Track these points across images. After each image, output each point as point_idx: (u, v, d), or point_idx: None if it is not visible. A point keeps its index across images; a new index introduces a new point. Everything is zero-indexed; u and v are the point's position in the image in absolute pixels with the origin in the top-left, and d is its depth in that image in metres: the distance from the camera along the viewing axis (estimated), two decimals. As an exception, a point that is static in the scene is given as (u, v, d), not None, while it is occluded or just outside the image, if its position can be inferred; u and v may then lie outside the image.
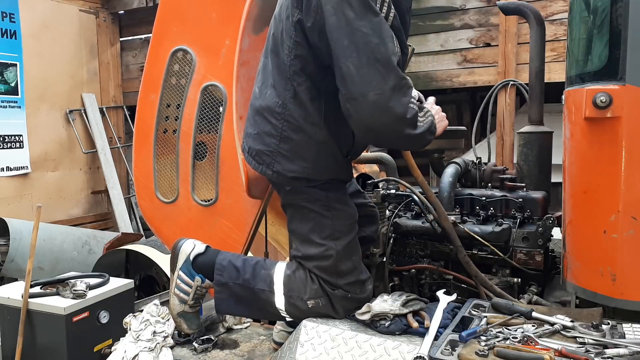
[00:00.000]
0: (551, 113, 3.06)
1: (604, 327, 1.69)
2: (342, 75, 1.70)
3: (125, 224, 7.07)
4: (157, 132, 2.66)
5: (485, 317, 1.81)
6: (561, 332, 1.70)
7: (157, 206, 2.70)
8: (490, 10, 5.40)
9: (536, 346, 1.59)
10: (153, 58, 2.67)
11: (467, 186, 2.86)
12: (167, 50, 2.59)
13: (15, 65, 6.39)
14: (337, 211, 1.98)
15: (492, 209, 2.59)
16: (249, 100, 2.08)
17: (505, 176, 2.72)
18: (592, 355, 1.53)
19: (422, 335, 1.82)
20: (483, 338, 1.64)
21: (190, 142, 2.55)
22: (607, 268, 1.83)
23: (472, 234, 2.41)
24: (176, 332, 2.35)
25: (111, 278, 3.09)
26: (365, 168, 3.75)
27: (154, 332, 2.29)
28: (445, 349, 1.62)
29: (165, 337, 2.30)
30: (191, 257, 2.14)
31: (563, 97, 2.02)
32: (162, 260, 3.91)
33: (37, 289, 2.92)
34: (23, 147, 6.50)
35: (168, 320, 2.34)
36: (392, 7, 1.76)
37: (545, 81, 2.80)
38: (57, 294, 2.84)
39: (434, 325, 1.83)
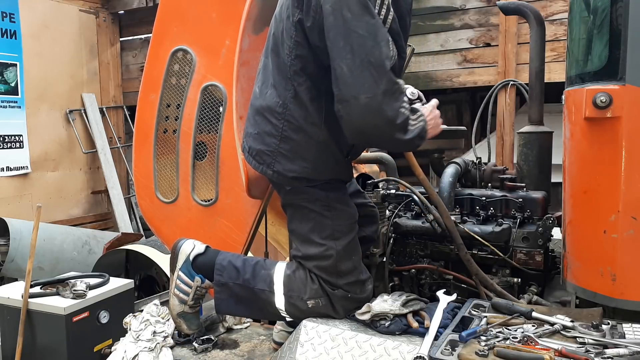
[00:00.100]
0: (551, 113, 3.06)
1: (604, 327, 1.70)
2: (336, 76, 1.71)
3: (125, 224, 7.06)
4: (157, 132, 2.66)
5: (485, 317, 1.81)
6: (561, 332, 1.70)
7: (157, 206, 2.70)
8: (490, 10, 5.40)
9: (536, 346, 1.59)
10: (153, 58, 2.67)
11: (467, 186, 2.86)
12: (167, 50, 2.59)
13: (15, 65, 6.39)
14: (337, 211, 1.98)
15: (492, 209, 2.59)
16: (249, 100, 2.08)
17: (505, 176, 2.72)
18: (592, 355, 1.53)
19: (422, 335, 1.82)
20: (483, 338, 1.65)
21: (190, 142, 2.55)
22: (607, 268, 1.83)
23: (472, 234, 2.41)
24: (176, 332, 2.35)
25: (111, 278, 3.09)
26: (365, 168, 3.74)
27: (154, 332, 2.29)
28: (445, 349, 1.62)
29: (165, 337, 2.31)
30: (191, 258, 2.14)
31: (563, 97, 2.02)
32: (162, 260, 3.91)
33: (37, 289, 2.92)
34: (23, 147, 6.50)
35: (168, 320, 2.34)
36: (392, 10, 1.76)
37: (545, 81, 2.80)
38: (57, 294, 2.84)
39: (434, 325, 1.83)
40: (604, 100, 1.75)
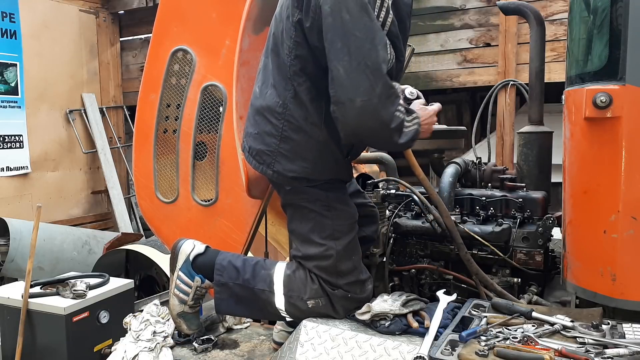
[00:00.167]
0: (551, 113, 3.06)
1: (604, 327, 1.70)
2: (332, 77, 1.72)
3: (125, 224, 7.06)
4: (157, 132, 2.66)
5: (485, 317, 1.81)
6: (561, 332, 1.70)
7: (157, 206, 2.70)
8: (490, 10, 5.40)
9: (536, 346, 1.59)
10: (153, 58, 2.67)
11: (467, 186, 2.86)
12: (167, 50, 2.59)
13: (15, 65, 6.39)
14: (337, 211, 1.98)
15: (492, 209, 2.59)
16: (249, 100, 2.09)
17: (505, 176, 2.72)
18: (592, 355, 1.53)
19: (422, 335, 1.82)
20: (483, 338, 1.65)
21: (190, 142, 2.55)
22: (607, 268, 1.83)
23: (472, 234, 2.41)
24: (176, 332, 2.35)
25: (111, 278, 3.09)
26: (365, 168, 3.74)
27: (154, 332, 2.29)
28: (445, 349, 1.62)
29: (165, 337, 2.31)
30: (191, 258, 2.14)
31: (563, 97, 2.02)
32: (162, 260, 3.91)
33: (37, 289, 2.92)
34: (23, 147, 6.50)
35: (168, 320, 2.34)
36: (391, 12, 1.76)
37: (545, 81, 2.80)
38: (57, 294, 2.83)
39: (434, 325, 1.83)
40: (604, 100, 1.75)
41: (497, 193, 2.63)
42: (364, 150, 2.48)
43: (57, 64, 6.92)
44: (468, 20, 5.52)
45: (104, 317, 2.88)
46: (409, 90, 1.94)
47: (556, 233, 2.41)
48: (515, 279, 2.39)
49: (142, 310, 2.42)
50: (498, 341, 1.62)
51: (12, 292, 2.89)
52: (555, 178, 2.50)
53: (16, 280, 4.36)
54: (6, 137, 6.31)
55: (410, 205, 2.70)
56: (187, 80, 2.56)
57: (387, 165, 3.10)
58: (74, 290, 2.81)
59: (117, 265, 4.27)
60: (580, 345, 1.59)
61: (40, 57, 6.68)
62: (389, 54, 1.75)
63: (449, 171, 2.69)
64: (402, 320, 1.88)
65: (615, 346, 1.58)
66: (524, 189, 2.61)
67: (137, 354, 2.22)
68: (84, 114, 7.25)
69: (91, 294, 2.86)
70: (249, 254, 2.50)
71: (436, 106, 1.97)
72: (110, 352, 2.38)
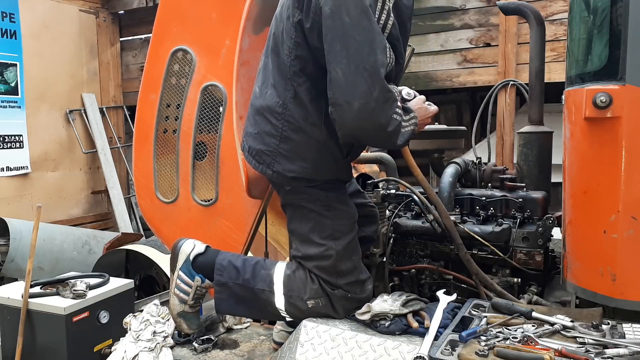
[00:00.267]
0: (551, 113, 3.06)
1: (604, 327, 1.70)
2: (330, 79, 1.72)
3: (125, 224, 7.06)
4: (157, 132, 2.66)
5: (485, 317, 1.81)
6: (561, 332, 1.70)
7: (157, 206, 2.70)
8: (490, 10, 5.40)
9: (536, 346, 1.59)
10: (153, 58, 2.67)
11: (467, 186, 2.86)
12: (167, 50, 2.59)
13: (15, 65, 6.39)
14: (337, 211, 1.98)
15: (492, 209, 2.59)
16: (249, 100, 2.09)
17: (505, 176, 2.72)
18: (592, 355, 1.53)
19: (422, 335, 1.82)
20: (483, 338, 1.65)
21: (190, 142, 2.55)
22: (607, 268, 1.83)
23: (472, 234, 2.41)
24: (176, 332, 2.35)
25: (111, 278, 3.09)
26: (365, 168, 3.74)
27: (154, 332, 2.29)
28: (445, 349, 1.62)
29: (165, 337, 2.31)
30: (191, 257, 2.14)
31: (563, 97, 2.02)
32: (162, 260, 3.91)
33: (37, 289, 2.92)
34: (23, 147, 6.50)
35: (168, 320, 2.34)
36: (392, 15, 1.76)
37: (545, 81, 2.80)
38: (57, 294, 2.84)
39: (434, 325, 1.83)
40: (604, 100, 1.75)
41: (497, 193, 2.63)
42: (363, 150, 2.48)
43: (57, 64, 6.92)
44: (468, 20, 5.52)
45: (104, 317, 2.88)
46: (406, 91, 1.95)
47: (556, 233, 2.41)
48: (515, 279, 2.39)
49: (142, 310, 2.42)
50: (498, 341, 1.62)
51: (12, 292, 2.89)
52: (555, 178, 2.50)
53: (16, 280, 4.36)
54: (6, 137, 6.31)
55: (410, 205, 2.70)
56: (187, 80, 2.56)
57: (387, 165, 3.10)
58: (74, 290, 2.81)
59: (117, 265, 4.27)
60: (580, 345, 1.59)
61: (40, 57, 6.68)
62: (389, 57, 1.75)
63: (449, 171, 2.69)
64: (402, 320, 1.88)
65: (615, 346, 1.58)
66: (524, 189, 2.61)
67: (137, 354, 2.22)
68: (84, 114, 7.25)
69: (91, 294, 2.86)
70: (249, 254, 2.50)
71: (435, 108, 1.98)
72: (110, 352, 2.38)
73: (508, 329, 1.71)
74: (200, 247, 2.17)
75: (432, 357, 1.60)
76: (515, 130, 4.78)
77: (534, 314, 1.80)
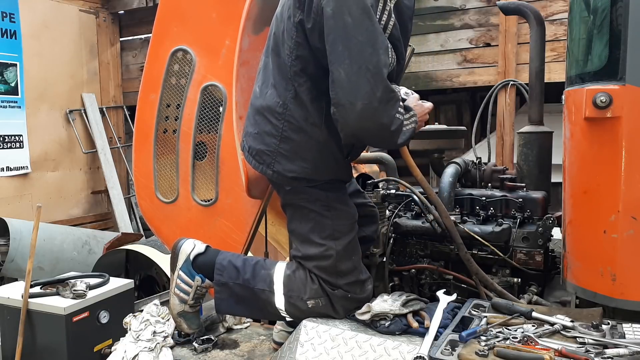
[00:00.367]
0: (551, 113, 3.06)
1: (604, 327, 1.70)
2: (333, 79, 1.72)
3: (125, 224, 7.06)
4: (157, 132, 2.66)
5: (485, 317, 1.81)
6: (561, 332, 1.70)
7: (157, 206, 2.70)
8: (490, 10, 5.40)
9: (536, 346, 1.59)
10: (153, 58, 2.67)
11: (467, 186, 2.86)
12: (167, 50, 2.59)
13: (15, 65, 6.39)
14: (337, 211, 1.98)
15: (492, 209, 2.59)
16: (249, 100, 2.08)
17: (505, 176, 2.72)
18: (592, 355, 1.53)
19: (422, 335, 1.82)
20: (483, 338, 1.65)
21: (190, 142, 2.55)
22: (607, 268, 1.83)
23: (472, 234, 2.41)
24: (176, 332, 2.35)
25: (111, 278, 3.09)
26: (365, 168, 3.75)
27: (154, 332, 2.29)
28: (445, 349, 1.62)
29: (165, 337, 2.30)
30: (191, 257, 2.14)
31: (563, 97, 2.02)
32: (162, 260, 3.91)
33: (37, 289, 2.92)
34: (23, 147, 6.50)
35: (168, 320, 2.34)
36: (393, 16, 1.76)
37: (545, 81, 2.80)
38: (57, 294, 2.83)
39: (434, 325, 1.83)
40: (604, 100, 1.75)
41: (497, 193, 2.63)
42: (364, 150, 2.48)
43: (57, 64, 6.92)
44: (468, 20, 5.52)
45: (104, 317, 2.88)
46: (404, 91, 1.98)
47: (556, 233, 2.41)
48: (515, 279, 2.39)
49: (142, 310, 2.42)
50: (498, 341, 1.62)
51: (12, 292, 2.89)
52: (555, 178, 2.50)
53: (16, 280, 4.36)
54: (6, 137, 6.31)
55: (410, 205, 2.70)
56: (187, 80, 2.56)
57: (387, 165, 3.10)
58: (74, 290, 2.81)
59: (117, 265, 4.27)
60: (580, 345, 1.59)
61: (40, 57, 6.68)
62: (390, 57, 1.75)
63: (449, 171, 2.69)
64: (402, 320, 1.88)
65: (615, 346, 1.58)
66: (524, 189, 2.61)
67: (137, 354, 2.22)
68: (84, 114, 7.25)
69: (91, 294, 2.86)
70: (249, 254, 2.50)
71: (430, 104, 2.00)
72: (110, 352, 2.38)
73: (508, 329, 1.71)
74: (200, 247, 2.17)
75: (432, 357, 1.60)
76: (515, 130, 4.78)
77: (534, 314, 1.80)
